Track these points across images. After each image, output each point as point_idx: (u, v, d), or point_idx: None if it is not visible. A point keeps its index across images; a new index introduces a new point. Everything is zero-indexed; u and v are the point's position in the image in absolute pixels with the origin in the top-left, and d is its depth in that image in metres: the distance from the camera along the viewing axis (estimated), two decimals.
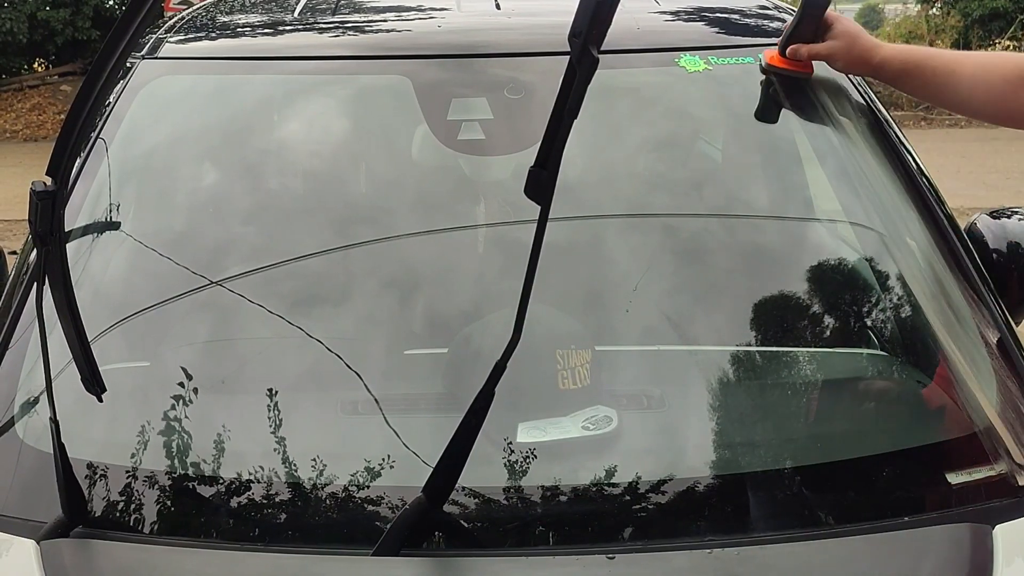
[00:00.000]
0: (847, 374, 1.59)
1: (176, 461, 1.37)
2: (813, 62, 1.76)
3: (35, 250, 1.44)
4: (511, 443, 1.37)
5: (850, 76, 1.87)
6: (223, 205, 1.80)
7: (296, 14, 2.10)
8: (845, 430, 1.49)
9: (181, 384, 1.54)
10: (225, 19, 2.18)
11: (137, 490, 1.34)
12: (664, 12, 2.07)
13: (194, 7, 2.27)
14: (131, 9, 1.11)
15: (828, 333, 1.63)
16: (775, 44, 1.81)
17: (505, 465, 1.35)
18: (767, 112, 1.85)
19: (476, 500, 1.30)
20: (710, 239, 1.73)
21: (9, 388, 1.47)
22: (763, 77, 1.80)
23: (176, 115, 1.91)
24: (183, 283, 1.58)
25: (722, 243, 1.73)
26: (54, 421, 1.25)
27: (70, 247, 1.55)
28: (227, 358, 1.58)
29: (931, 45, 12.39)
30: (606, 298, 1.64)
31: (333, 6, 2.15)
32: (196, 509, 1.34)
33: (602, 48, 1.06)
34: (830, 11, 1.74)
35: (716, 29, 2.04)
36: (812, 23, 1.73)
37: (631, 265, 1.66)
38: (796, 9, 1.80)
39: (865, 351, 1.59)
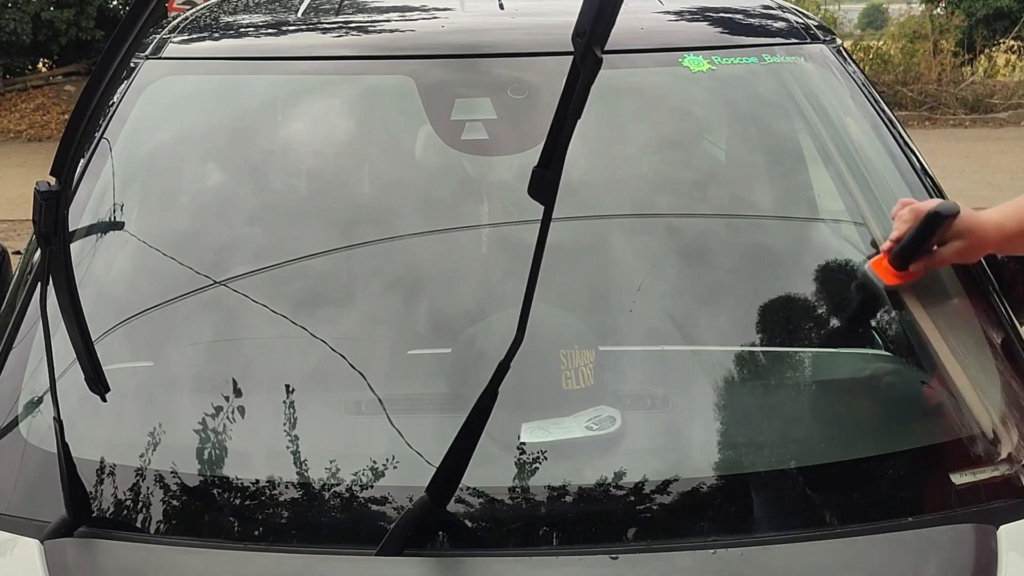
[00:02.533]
0: (851, 374, 1.59)
1: (180, 461, 1.37)
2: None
3: (39, 250, 1.44)
4: (515, 443, 1.36)
5: (854, 77, 1.87)
6: (226, 205, 1.80)
7: (299, 14, 2.10)
8: (849, 430, 1.49)
9: (185, 384, 1.54)
10: (228, 19, 2.18)
11: (141, 490, 1.34)
12: (668, 12, 2.07)
13: (198, 7, 2.27)
14: (135, 9, 1.11)
15: (832, 333, 1.63)
16: (779, 43, 1.78)
17: (509, 465, 1.35)
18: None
19: (479, 500, 1.30)
20: (713, 239, 1.73)
21: (13, 388, 1.47)
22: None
23: (180, 115, 1.91)
24: (187, 283, 1.58)
25: (725, 243, 1.73)
26: (58, 421, 1.25)
27: (74, 247, 1.55)
28: (231, 358, 1.58)
29: (935, 44, 12.39)
30: (610, 298, 1.64)
31: (336, 6, 2.15)
32: (200, 509, 1.34)
33: (606, 48, 1.06)
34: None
35: (720, 29, 2.03)
36: (938, 237, 1.49)
37: (635, 265, 1.66)
38: (801, 10, 1.76)
39: (869, 351, 1.59)
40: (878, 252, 1.55)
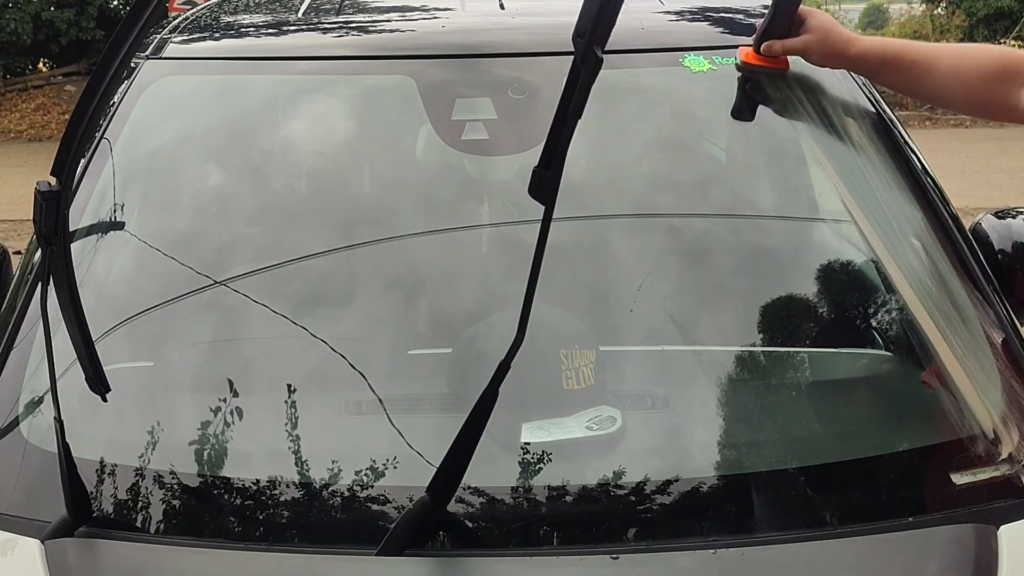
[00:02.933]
0: (851, 374, 1.59)
1: (180, 461, 1.37)
2: (793, 58, 1.76)
3: (40, 250, 1.44)
4: (515, 443, 1.37)
5: (854, 76, 1.87)
6: (227, 205, 1.80)
7: (300, 14, 2.10)
8: (849, 430, 1.49)
9: (185, 384, 1.54)
10: (229, 19, 2.18)
11: (141, 490, 1.34)
12: (668, 12, 2.07)
13: (198, 7, 2.27)
14: (135, 9, 1.11)
15: (832, 333, 1.63)
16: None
17: (509, 465, 1.35)
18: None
19: (480, 500, 1.30)
20: (714, 239, 1.73)
21: (14, 388, 1.47)
22: (742, 76, 1.79)
23: (180, 115, 1.91)
24: (187, 283, 1.59)
25: (726, 243, 1.73)
26: (58, 421, 1.25)
27: (74, 247, 1.55)
28: (231, 358, 1.58)
29: None
30: (610, 298, 1.64)
31: (337, 6, 2.15)
32: (200, 509, 1.35)
33: (606, 48, 1.06)
34: (803, 6, 1.73)
35: (720, 29, 2.03)
36: (785, 19, 1.72)
37: (635, 265, 1.66)
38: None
39: (869, 351, 1.59)
40: None
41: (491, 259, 1.70)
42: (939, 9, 13.43)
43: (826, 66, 1.77)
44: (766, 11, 2.06)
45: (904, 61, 1.68)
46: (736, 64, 1.78)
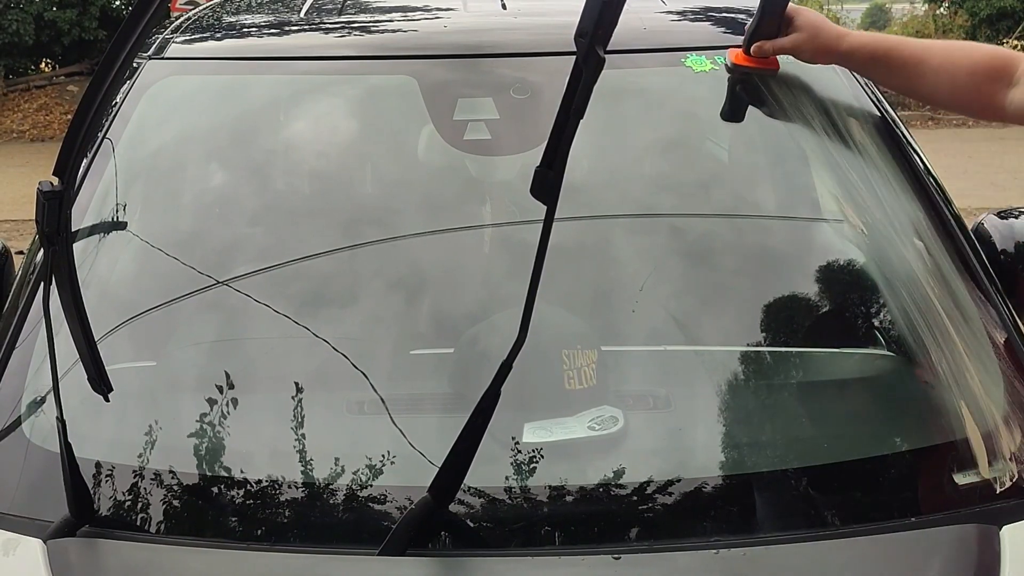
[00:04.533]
0: (854, 375, 1.59)
1: (182, 461, 1.37)
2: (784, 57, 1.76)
3: (42, 250, 1.44)
4: (517, 443, 1.37)
5: (856, 76, 1.87)
6: (229, 205, 1.80)
7: (302, 14, 2.10)
8: (851, 430, 1.49)
9: (187, 384, 1.54)
10: (231, 19, 2.18)
11: (144, 490, 1.34)
12: (670, 12, 2.07)
13: (200, 7, 2.27)
14: (137, 9, 1.11)
15: (835, 334, 1.63)
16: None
17: (511, 465, 1.35)
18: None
19: (482, 500, 1.30)
20: (716, 239, 1.73)
21: (16, 387, 1.47)
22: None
23: (182, 115, 1.91)
24: (189, 283, 1.59)
25: (728, 243, 1.73)
26: (61, 420, 1.25)
27: (77, 247, 1.55)
28: (233, 358, 1.58)
29: None
30: (612, 298, 1.64)
31: (339, 6, 2.15)
32: (202, 509, 1.35)
33: (608, 48, 1.06)
34: (791, 5, 1.72)
35: (722, 29, 2.03)
36: (774, 19, 1.70)
37: (637, 265, 1.66)
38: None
39: (872, 351, 1.59)
40: None
41: (493, 259, 1.70)
42: (941, 9, 13.42)
43: (816, 63, 1.76)
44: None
45: (894, 57, 1.67)
46: (726, 66, 1.78)
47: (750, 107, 1.88)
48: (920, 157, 1.79)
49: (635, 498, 1.32)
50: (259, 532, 1.30)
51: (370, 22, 2.10)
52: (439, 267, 1.67)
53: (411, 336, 1.60)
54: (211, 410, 1.44)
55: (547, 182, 1.11)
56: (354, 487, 1.33)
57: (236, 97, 1.95)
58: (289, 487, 1.33)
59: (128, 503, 1.33)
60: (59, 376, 1.26)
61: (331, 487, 1.33)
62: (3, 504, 1.33)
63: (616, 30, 1.07)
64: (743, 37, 1.75)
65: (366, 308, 1.61)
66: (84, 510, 1.27)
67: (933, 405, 1.44)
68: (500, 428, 1.26)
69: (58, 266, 1.19)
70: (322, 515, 1.32)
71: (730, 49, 1.77)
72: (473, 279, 1.67)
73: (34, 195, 1.17)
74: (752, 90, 1.81)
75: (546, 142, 1.12)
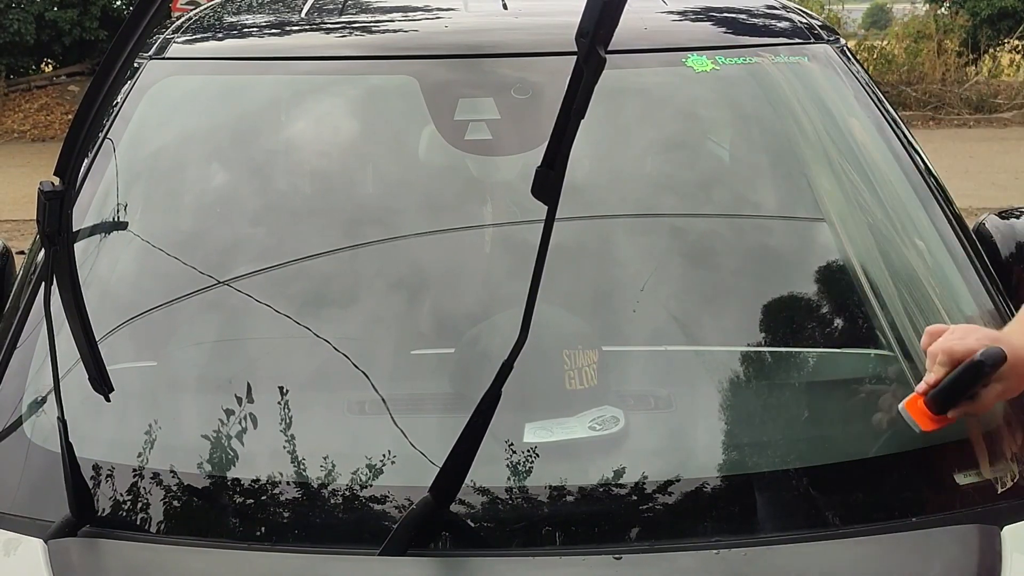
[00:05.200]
0: (855, 375, 1.59)
1: (183, 461, 1.37)
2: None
3: (43, 250, 1.44)
4: (518, 443, 1.36)
5: (858, 76, 1.87)
6: (230, 205, 1.80)
7: (303, 14, 2.10)
8: (852, 431, 1.49)
9: (188, 384, 1.54)
10: (232, 19, 2.18)
11: (144, 489, 1.34)
12: (671, 12, 2.07)
13: (201, 7, 2.27)
14: (138, 9, 1.11)
15: (835, 334, 1.63)
16: (783, 43, 1.79)
17: (512, 465, 1.35)
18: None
19: (483, 500, 1.30)
20: (716, 240, 1.73)
21: (17, 387, 1.47)
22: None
23: (183, 115, 1.91)
24: (190, 283, 1.59)
25: (729, 244, 1.73)
26: (62, 420, 1.25)
27: (78, 247, 1.55)
28: (234, 358, 1.58)
29: (939, 44, 12.36)
30: (613, 298, 1.64)
31: (340, 6, 2.15)
32: (203, 509, 1.35)
33: (609, 48, 1.06)
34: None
35: (723, 29, 2.03)
36: (982, 383, 1.34)
37: (638, 265, 1.66)
38: (805, 10, 1.75)
39: (873, 351, 1.59)
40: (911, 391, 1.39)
41: (494, 259, 1.70)
42: (943, 9, 13.41)
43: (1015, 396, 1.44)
44: (769, 11, 2.05)
45: None
46: (902, 416, 1.35)
47: (750, 107, 1.88)
48: (921, 157, 1.79)
49: (636, 498, 1.32)
50: (260, 532, 1.30)
51: (371, 22, 2.10)
52: (440, 267, 1.66)
53: (412, 336, 1.60)
54: (212, 410, 1.44)
55: (548, 182, 1.11)
56: (355, 487, 1.33)
57: (237, 97, 1.95)
58: (290, 487, 1.33)
59: (129, 503, 1.33)
60: (60, 376, 1.26)
61: (332, 487, 1.33)
62: (4, 504, 1.33)
63: (617, 30, 1.07)
64: (921, 390, 1.36)
65: (367, 308, 1.61)
66: (85, 510, 1.27)
67: None
68: (501, 428, 1.26)
69: (59, 266, 1.19)
70: (323, 515, 1.32)
71: (908, 404, 1.36)
72: (474, 279, 1.67)
73: (35, 195, 1.17)
74: (753, 90, 1.81)
75: (547, 142, 1.11)
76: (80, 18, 12.84)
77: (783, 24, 2.02)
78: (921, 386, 1.36)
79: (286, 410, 1.43)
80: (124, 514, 1.32)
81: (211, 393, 1.50)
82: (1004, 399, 1.39)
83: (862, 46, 12.94)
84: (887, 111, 1.85)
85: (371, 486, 1.33)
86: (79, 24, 12.83)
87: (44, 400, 1.44)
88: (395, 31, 2.07)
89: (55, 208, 1.16)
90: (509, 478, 1.33)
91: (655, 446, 1.45)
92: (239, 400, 1.48)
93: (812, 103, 1.80)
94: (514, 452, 1.36)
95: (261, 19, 2.19)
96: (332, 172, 1.86)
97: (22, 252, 2.02)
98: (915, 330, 1.51)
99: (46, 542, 1.25)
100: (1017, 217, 2.02)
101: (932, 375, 1.35)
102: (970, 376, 1.31)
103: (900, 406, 1.36)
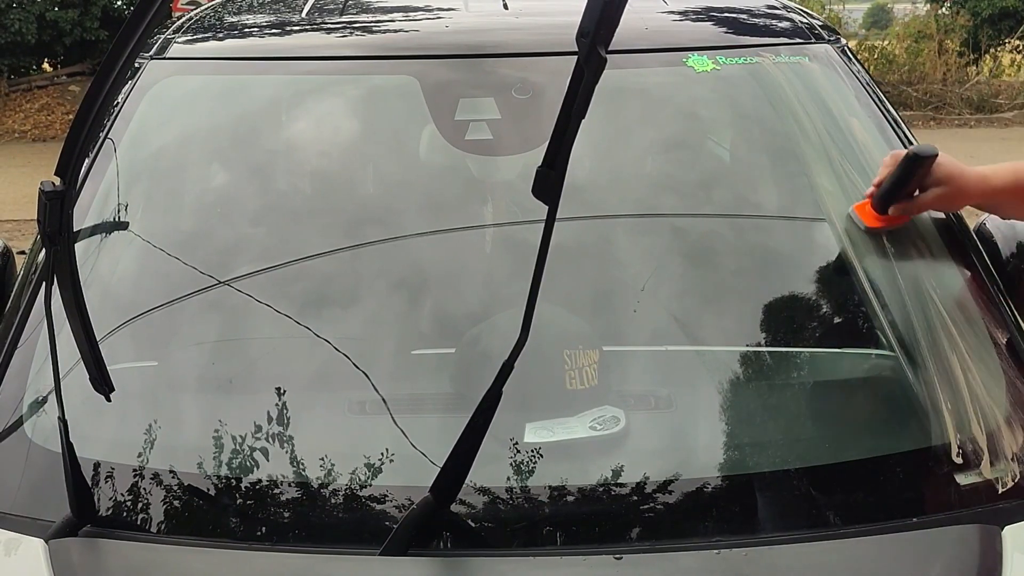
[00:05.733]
0: (856, 375, 1.59)
1: (184, 461, 1.37)
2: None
3: (44, 250, 1.44)
4: (518, 443, 1.37)
5: (859, 76, 1.87)
6: (231, 205, 1.80)
7: (304, 14, 2.10)
8: (853, 431, 1.49)
9: (189, 384, 1.54)
10: (233, 19, 2.18)
11: (145, 489, 1.34)
12: (672, 12, 2.07)
13: (202, 7, 2.27)
14: (139, 9, 1.11)
15: (836, 334, 1.63)
16: (783, 43, 1.80)
17: (512, 465, 1.35)
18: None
19: (483, 500, 1.30)
20: (717, 239, 1.73)
21: (18, 387, 1.47)
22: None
23: (184, 115, 1.91)
24: (191, 283, 1.59)
25: (729, 243, 1.73)
26: (62, 420, 1.25)
27: (79, 247, 1.55)
28: (235, 358, 1.58)
29: (940, 44, 12.36)
30: (614, 298, 1.64)
31: (341, 6, 2.15)
32: (204, 509, 1.35)
33: (610, 48, 1.06)
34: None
35: (724, 29, 2.03)
36: (917, 180, 1.53)
37: (639, 265, 1.66)
38: (806, 10, 1.78)
39: (874, 352, 1.59)
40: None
41: (494, 259, 1.70)
42: (943, 9, 13.41)
43: (954, 210, 1.65)
44: (770, 11, 2.06)
45: None
46: (854, 223, 1.61)
47: (751, 107, 1.88)
48: None
49: (636, 498, 1.32)
50: (261, 532, 1.30)
51: (371, 22, 2.10)
52: (441, 267, 1.67)
53: (412, 336, 1.60)
54: (212, 410, 1.44)
55: (549, 182, 1.11)
56: (355, 487, 1.33)
57: (238, 97, 1.95)
58: (291, 487, 1.33)
59: (129, 503, 1.33)
60: (61, 376, 1.26)
61: (332, 487, 1.33)
62: (5, 504, 1.33)
63: (618, 30, 1.07)
64: (869, 192, 1.59)
65: (367, 308, 1.61)
66: (85, 510, 1.27)
67: (935, 405, 1.44)
68: (502, 428, 1.26)
69: (60, 266, 1.19)
70: (323, 515, 1.32)
71: (855, 206, 1.61)
72: (475, 279, 1.67)
73: (36, 195, 1.17)
74: (753, 90, 1.81)
75: (548, 142, 1.11)
76: (81, 18, 12.85)
77: (784, 24, 2.02)
78: (869, 189, 1.59)
79: (287, 410, 1.43)
80: (125, 514, 1.32)
81: (212, 393, 1.50)
82: (940, 206, 1.59)
83: (863, 46, 12.95)
84: (888, 111, 1.85)
85: (371, 486, 1.33)
86: (80, 24, 12.84)
87: (45, 400, 1.44)
88: (396, 31, 2.07)
89: (56, 208, 1.16)
90: (510, 478, 1.33)
91: (656, 446, 1.45)
92: (240, 400, 1.48)
93: (813, 103, 1.80)
94: (515, 452, 1.36)
95: (262, 19, 2.19)
96: (332, 172, 1.86)
97: (23, 252, 2.02)
98: (915, 330, 1.51)
99: (47, 542, 1.25)
100: None
101: (877, 177, 1.57)
102: (905, 169, 1.51)
103: (850, 209, 1.58)
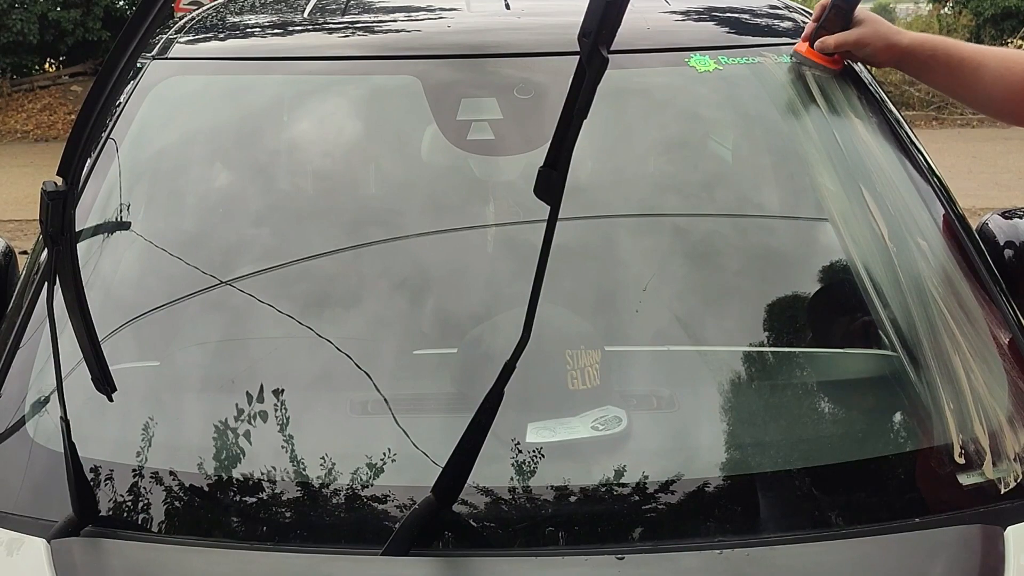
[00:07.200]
0: (858, 375, 1.59)
1: (186, 461, 1.37)
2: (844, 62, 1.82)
3: (46, 250, 1.44)
4: (520, 443, 1.36)
5: (861, 76, 1.87)
6: (233, 205, 1.80)
7: (306, 14, 2.10)
8: (855, 431, 1.49)
9: (191, 384, 1.54)
10: (235, 19, 2.18)
11: (147, 489, 1.34)
12: (674, 12, 2.07)
13: (204, 7, 2.27)
14: (141, 9, 1.11)
15: (839, 334, 1.63)
16: (786, 43, 1.81)
17: (514, 465, 1.35)
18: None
19: (485, 500, 1.30)
20: (719, 239, 1.73)
21: (20, 387, 1.47)
22: (794, 71, 1.83)
23: (186, 115, 1.91)
24: (193, 283, 1.59)
25: (731, 243, 1.73)
26: (64, 420, 1.25)
27: (81, 247, 1.55)
28: (237, 358, 1.58)
29: None
30: (616, 298, 1.64)
31: (343, 6, 2.15)
32: (205, 508, 1.35)
33: (612, 48, 1.06)
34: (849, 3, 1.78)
35: (726, 29, 2.03)
36: (841, 16, 1.78)
37: (641, 265, 1.66)
38: (808, 10, 1.81)
39: (876, 352, 1.59)
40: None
41: (496, 259, 1.70)
42: (946, 9, 13.41)
43: (877, 61, 1.80)
44: (772, 11, 2.06)
45: (952, 58, 1.70)
46: (791, 55, 1.85)
47: (753, 107, 1.88)
48: (924, 157, 1.79)
49: (639, 498, 1.32)
50: (262, 532, 1.30)
51: (374, 22, 2.10)
52: (442, 267, 1.67)
53: (414, 336, 1.60)
54: (215, 410, 1.44)
55: (551, 182, 1.11)
56: (357, 487, 1.33)
57: (240, 97, 1.95)
58: (293, 487, 1.33)
59: (132, 503, 1.33)
60: (63, 376, 1.26)
61: (334, 487, 1.33)
62: (7, 504, 1.33)
63: (620, 30, 1.06)
64: (807, 30, 1.83)
65: (369, 308, 1.61)
66: (88, 510, 1.28)
67: (937, 405, 1.44)
68: (503, 428, 1.26)
69: (62, 266, 1.19)
70: (325, 515, 1.32)
71: (797, 47, 1.85)
72: (477, 279, 1.67)
73: (38, 195, 1.17)
74: (756, 90, 1.81)
75: (550, 142, 1.11)
76: (83, 18, 12.87)
77: (786, 24, 2.02)
78: (809, 25, 1.82)
79: (289, 410, 1.43)
80: (127, 514, 1.32)
81: (214, 393, 1.50)
82: (861, 47, 1.77)
83: None
84: (890, 111, 1.85)
85: (373, 486, 1.33)
86: (82, 24, 12.86)
87: (47, 400, 1.44)
88: (398, 31, 2.07)
89: (58, 208, 1.16)
90: (512, 478, 1.33)
91: (658, 446, 1.45)
92: (242, 400, 1.48)
93: (815, 103, 1.79)
94: (517, 452, 1.36)
95: (264, 19, 2.19)
96: (334, 172, 1.86)
97: (25, 252, 2.03)
98: (918, 330, 1.51)
99: (49, 542, 1.25)
100: (1020, 217, 2.02)
101: (814, 15, 1.82)
102: (831, 9, 1.77)
103: (792, 49, 1.84)
